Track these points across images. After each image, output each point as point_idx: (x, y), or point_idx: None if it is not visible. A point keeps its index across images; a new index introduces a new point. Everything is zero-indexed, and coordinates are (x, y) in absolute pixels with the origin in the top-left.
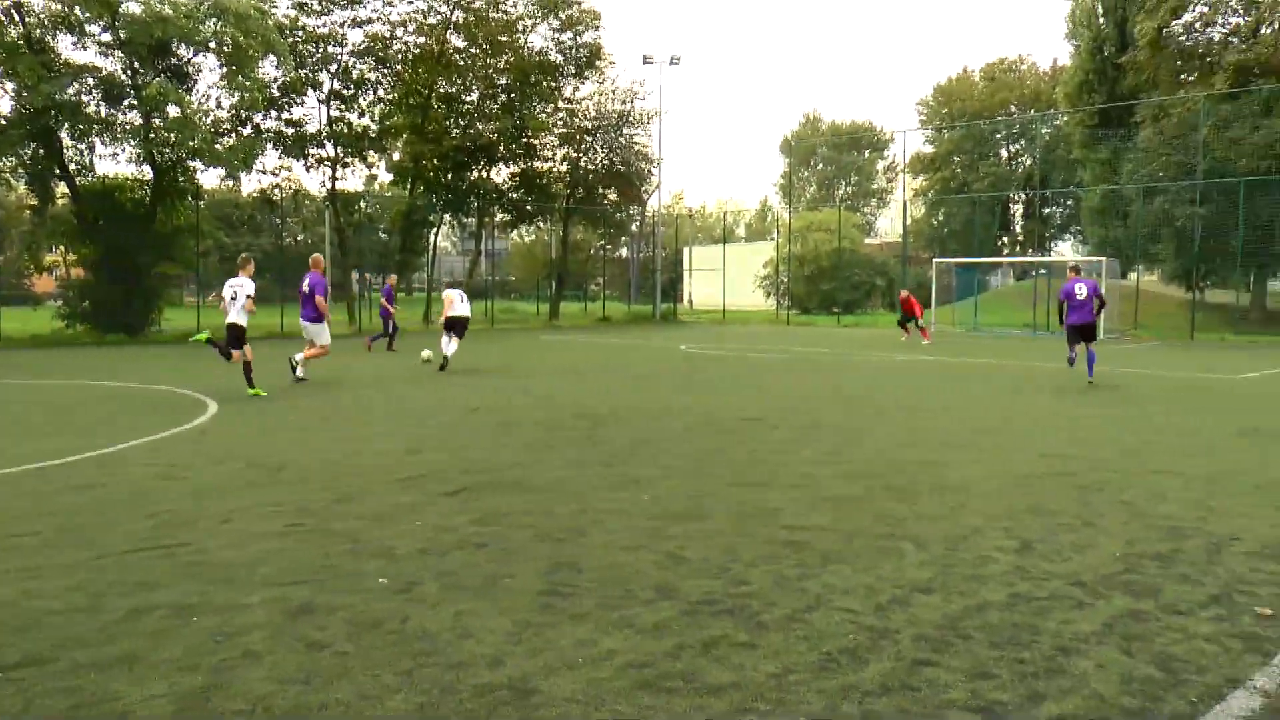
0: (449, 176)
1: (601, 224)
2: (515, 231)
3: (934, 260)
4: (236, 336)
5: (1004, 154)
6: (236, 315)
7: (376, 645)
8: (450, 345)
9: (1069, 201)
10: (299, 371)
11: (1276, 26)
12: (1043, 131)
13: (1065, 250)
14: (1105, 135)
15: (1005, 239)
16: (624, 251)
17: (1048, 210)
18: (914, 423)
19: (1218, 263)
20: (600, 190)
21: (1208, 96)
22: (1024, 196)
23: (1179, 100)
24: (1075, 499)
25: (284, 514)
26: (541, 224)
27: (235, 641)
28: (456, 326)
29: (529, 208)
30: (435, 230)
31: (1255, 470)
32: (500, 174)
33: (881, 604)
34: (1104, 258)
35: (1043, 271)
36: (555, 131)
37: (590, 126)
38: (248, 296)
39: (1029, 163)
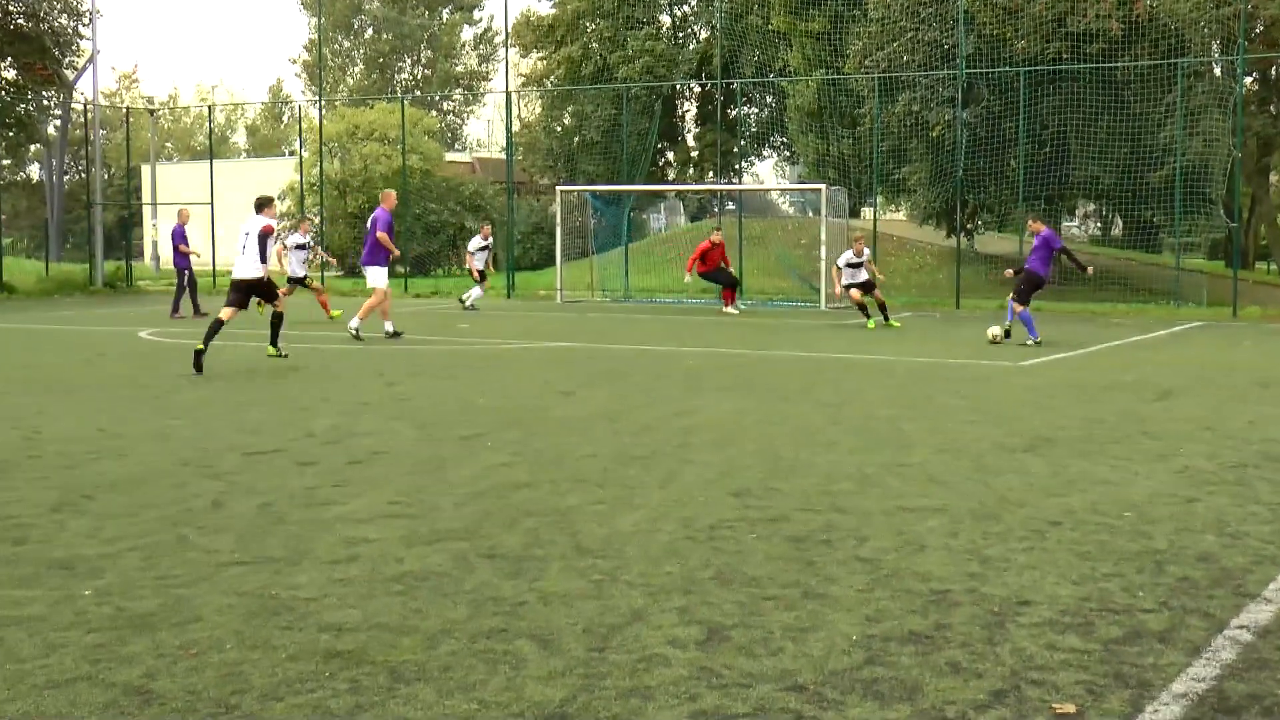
0: None
1: None
2: None
3: (559, 189)
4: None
5: (666, 21)
6: None
7: None
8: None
9: (769, 98)
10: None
11: None
12: None
13: (764, 173)
14: None
15: (672, 156)
16: (36, 171)
17: (736, 111)
18: (526, 445)
19: (992, 193)
20: None
21: None
22: (699, 89)
23: None
24: (789, 557)
25: None
26: None
27: None
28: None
29: None
30: None
31: (1048, 500)
32: None
33: None
34: (823, 185)
35: (730, 206)
36: None
37: None
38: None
39: (705, 36)
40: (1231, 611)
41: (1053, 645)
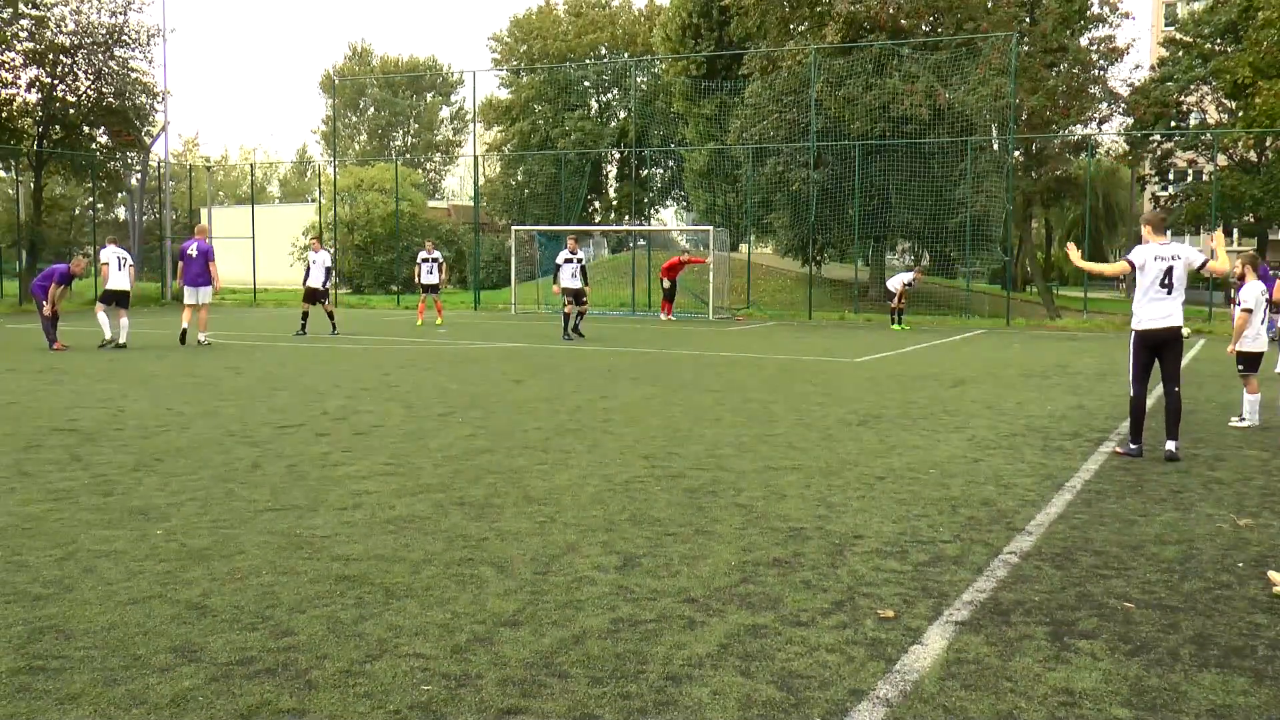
0: None
1: (89, 175)
2: None
3: (513, 228)
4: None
5: (594, 104)
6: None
7: None
8: (119, 324)
9: (671, 162)
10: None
11: None
12: (639, 80)
13: (668, 218)
14: (711, 88)
15: (598, 204)
16: (122, 213)
17: (646, 172)
18: (487, 423)
19: (835, 233)
20: (86, 130)
21: (818, 49)
22: (618, 155)
23: (788, 51)
24: (684, 504)
25: None
26: (3, 173)
27: None
28: (119, 300)
29: None
30: None
31: (876, 460)
32: None
33: (459, 645)
34: (711, 227)
35: (641, 243)
36: (18, 46)
37: (69, 44)
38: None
39: (624, 116)
40: (1004, 541)
41: (878, 568)
